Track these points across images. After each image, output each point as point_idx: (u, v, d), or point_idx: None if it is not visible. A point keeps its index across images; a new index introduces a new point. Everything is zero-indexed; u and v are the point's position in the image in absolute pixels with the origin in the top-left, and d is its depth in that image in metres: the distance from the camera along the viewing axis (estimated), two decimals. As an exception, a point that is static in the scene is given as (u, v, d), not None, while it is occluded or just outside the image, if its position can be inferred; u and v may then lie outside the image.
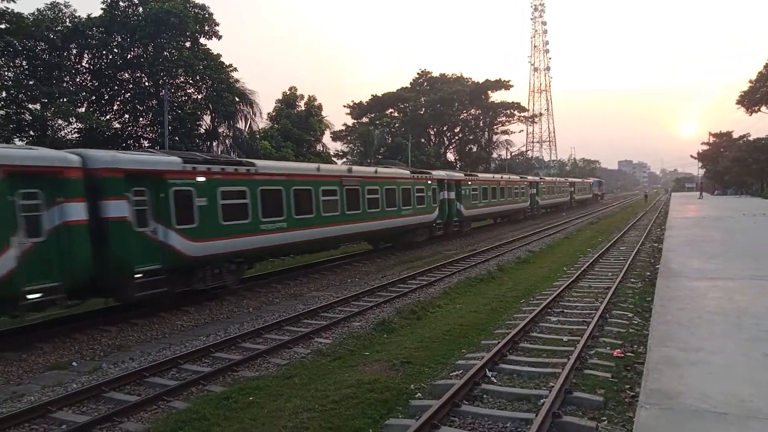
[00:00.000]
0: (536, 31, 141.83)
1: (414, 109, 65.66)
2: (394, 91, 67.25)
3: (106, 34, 31.37)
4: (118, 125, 33.47)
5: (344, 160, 57.85)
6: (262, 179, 16.51)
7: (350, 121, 66.04)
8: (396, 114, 67.28)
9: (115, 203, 12.21)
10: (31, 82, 28.50)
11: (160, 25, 31.12)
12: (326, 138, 49.04)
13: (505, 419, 6.80)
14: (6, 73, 28.54)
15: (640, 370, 7.63)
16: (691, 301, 9.35)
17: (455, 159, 69.27)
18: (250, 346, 10.75)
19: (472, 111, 68.99)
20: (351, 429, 6.77)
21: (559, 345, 9.72)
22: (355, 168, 23.21)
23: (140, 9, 32.30)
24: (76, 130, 31.02)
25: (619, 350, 9.20)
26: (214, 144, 36.95)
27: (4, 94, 27.73)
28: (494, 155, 74.63)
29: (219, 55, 35.48)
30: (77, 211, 11.44)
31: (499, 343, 9.56)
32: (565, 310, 12.43)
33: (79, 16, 31.26)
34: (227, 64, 36.15)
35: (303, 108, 44.14)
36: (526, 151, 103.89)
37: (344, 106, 68.01)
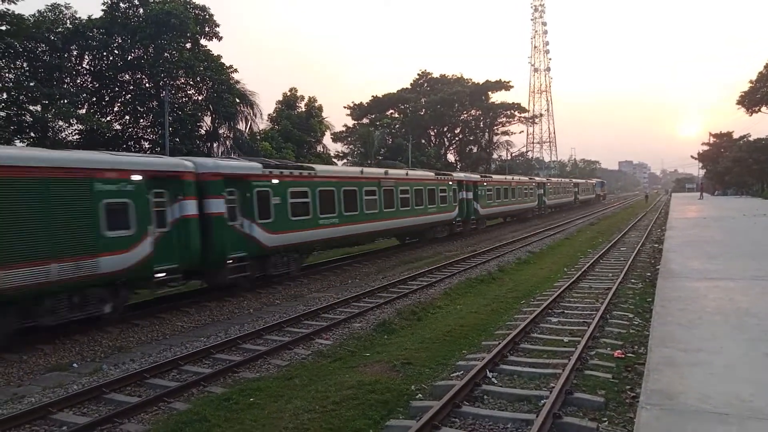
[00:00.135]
0: (536, 31, 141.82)
1: (414, 110, 65.67)
2: (395, 92, 67.31)
3: (106, 35, 31.42)
4: (118, 126, 33.52)
5: (344, 161, 57.87)
6: (319, 181, 19.12)
7: (350, 122, 66.11)
8: (396, 115, 67.30)
9: (215, 201, 14.82)
10: (31, 84, 28.55)
11: (161, 27, 31.15)
12: (327, 139, 49.16)
13: (505, 420, 6.79)
14: (7, 75, 28.59)
15: (640, 370, 7.63)
16: (691, 301, 9.34)
17: (455, 160, 69.28)
18: (251, 347, 10.75)
19: (473, 112, 68.99)
20: (351, 430, 6.77)
21: (560, 346, 9.71)
22: (390, 171, 25.51)
23: (141, 10, 32.35)
24: (76, 131, 31.09)
25: (619, 351, 9.20)
26: (215, 145, 36.97)
27: (4, 95, 27.78)
28: (494, 156, 74.67)
29: (219, 56, 35.54)
30: (191, 207, 14.10)
31: (499, 343, 9.56)
32: (566, 311, 12.42)
33: (80, 18, 31.36)
34: (228, 65, 36.22)
35: (303, 109, 44.17)
36: (527, 151, 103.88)
37: (344, 107, 68.08)
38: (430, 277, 17.87)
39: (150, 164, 13.61)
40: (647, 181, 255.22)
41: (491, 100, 69.18)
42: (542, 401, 7.09)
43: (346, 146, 63.55)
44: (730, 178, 70.58)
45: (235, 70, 37.15)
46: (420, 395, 7.85)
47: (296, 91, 44.60)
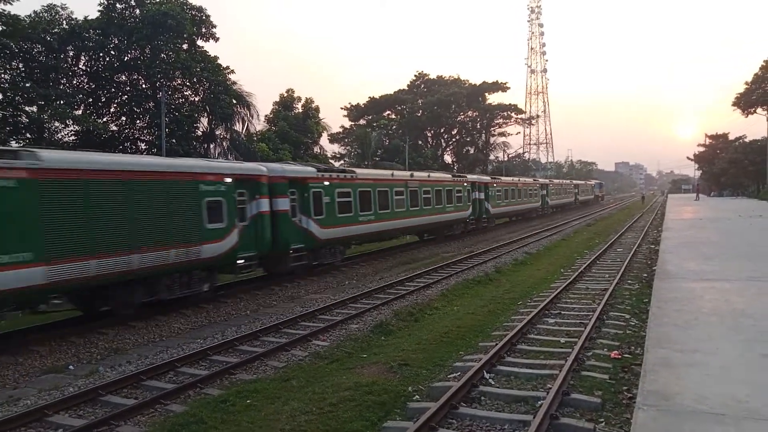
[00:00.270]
0: (533, 33, 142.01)
1: (411, 111, 65.72)
2: (391, 93, 67.41)
3: (103, 36, 31.36)
4: (114, 127, 33.46)
5: (341, 162, 57.86)
6: (359, 183, 21.75)
7: (347, 123, 66.11)
8: (393, 116, 67.34)
9: (282, 200, 17.36)
10: (27, 85, 28.46)
11: (157, 28, 31.11)
12: (323, 140, 49.15)
13: (502, 421, 6.80)
14: (2, 76, 28.49)
15: (637, 371, 7.64)
16: (687, 302, 9.36)
17: (452, 161, 69.34)
18: (248, 349, 10.73)
19: (470, 113, 69.10)
20: None
21: (557, 347, 9.73)
22: (415, 173, 28.22)
23: (137, 11, 32.31)
24: (72, 132, 31.00)
25: (616, 352, 9.21)
26: (212, 146, 36.93)
27: (0, 96, 27.66)
28: (491, 157, 74.77)
29: (216, 57, 35.52)
30: (265, 205, 16.50)
31: (496, 345, 9.57)
32: (563, 312, 12.44)
33: (76, 19, 31.29)
34: (224, 66, 36.19)
35: (300, 110, 44.15)
36: (523, 153, 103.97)
37: (341, 108, 68.13)
38: (427, 278, 17.87)
39: (236, 169, 16.08)
40: (643, 182, 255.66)
41: (488, 102, 69.32)
42: (539, 402, 7.09)
43: (343, 147, 63.60)
44: (726, 179, 70.76)
45: (232, 71, 37.17)
46: (417, 396, 7.84)
47: (293, 92, 44.64)
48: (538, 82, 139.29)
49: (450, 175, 32.03)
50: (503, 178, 43.74)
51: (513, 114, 71.87)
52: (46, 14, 30.15)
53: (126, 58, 32.47)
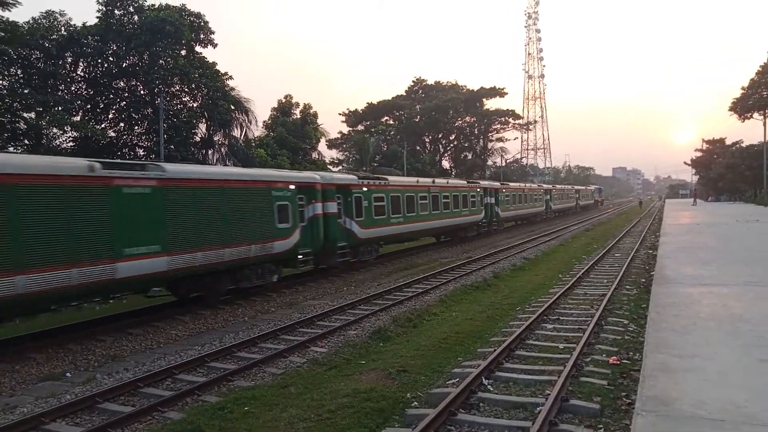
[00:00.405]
0: (530, 39, 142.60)
1: (409, 117, 65.83)
2: (389, 98, 67.53)
3: (101, 42, 31.38)
4: (113, 134, 33.45)
5: (340, 168, 57.88)
6: (391, 189, 24.27)
7: (345, 129, 66.20)
8: (391, 122, 67.48)
9: (331, 204, 19.90)
10: (25, 91, 28.47)
11: (156, 34, 31.16)
12: (321, 146, 49.23)
13: (501, 427, 6.78)
14: (1, 82, 28.49)
15: (636, 377, 7.64)
16: (686, 307, 9.37)
17: (450, 166, 69.44)
18: (246, 356, 10.70)
19: (467, 118, 69.23)
20: (347, 438, 6.74)
21: (555, 352, 9.72)
22: (436, 180, 30.79)
23: (136, 17, 32.36)
24: (71, 138, 30.97)
25: (614, 357, 9.21)
26: (210, 152, 36.94)
27: (-2, 102, 27.66)
28: (489, 162, 74.89)
29: (214, 63, 35.56)
30: (319, 208, 19.10)
31: (495, 350, 9.55)
32: (561, 318, 12.44)
33: (75, 25, 31.31)
34: (223, 72, 36.23)
35: (298, 116, 44.22)
36: (521, 158, 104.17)
37: (339, 114, 68.28)
38: (425, 284, 17.86)
39: (298, 177, 18.77)
40: (641, 187, 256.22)
41: (486, 107, 69.47)
42: (538, 408, 7.08)
43: (341, 153, 63.65)
44: (723, 184, 70.99)
45: (230, 77, 37.22)
46: (416, 403, 7.82)
47: (291, 98, 44.74)
48: (536, 88, 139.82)
49: (465, 182, 34.98)
50: (511, 184, 45.62)
51: (511, 119, 72.01)
52: (44, 21, 30.19)
53: (124, 64, 32.51)
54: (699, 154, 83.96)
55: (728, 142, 75.65)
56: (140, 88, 33.70)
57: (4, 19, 24.29)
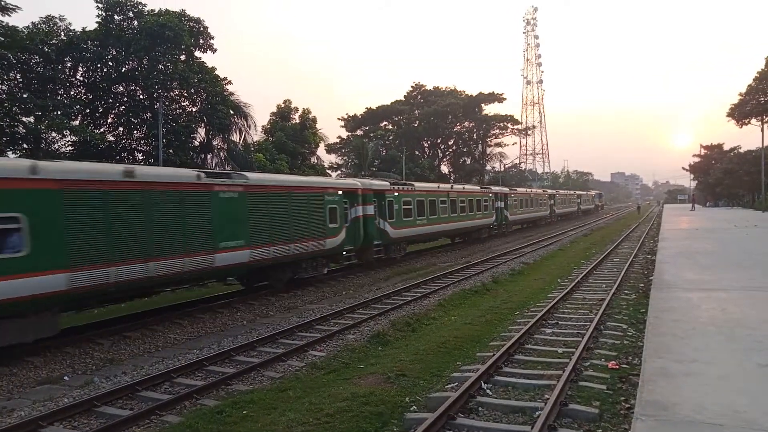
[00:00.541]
0: (528, 44, 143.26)
1: (408, 122, 65.97)
2: (388, 103, 67.73)
3: (100, 47, 31.44)
4: (112, 138, 33.43)
5: (339, 172, 57.93)
6: (417, 193, 26.88)
7: (344, 134, 66.31)
8: (390, 126, 67.59)
9: (369, 207, 22.59)
10: (25, 95, 28.47)
11: (155, 39, 31.23)
12: (321, 150, 49.27)
13: (500, 431, 6.77)
14: (0, 86, 28.49)
15: (635, 381, 7.63)
16: (685, 312, 9.37)
17: (449, 171, 69.52)
18: (244, 360, 10.67)
19: (466, 123, 69.40)
20: (346, 443, 6.72)
21: (554, 357, 9.71)
22: (454, 186, 33.62)
23: (135, 22, 32.43)
24: (70, 143, 30.96)
25: (614, 362, 9.20)
26: (209, 157, 36.95)
27: (-3, 106, 27.64)
28: (488, 167, 74.97)
29: (214, 68, 35.63)
30: (360, 210, 21.81)
31: (494, 355, 9.55)
32: (560, 322, 12.43)
33: (74, 30, 31.35)
34: (222, 77, 36.29)
35: (297, 121, 44.27)
36: (520, 163, 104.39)
37: (338, 119, 68.39)
38: (424, 288, 17.85)
39: (344, 184, 21.76)
40: (639, 192, 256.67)
41: (484, 112, 69.67)
42: (537, 413, 7.07)
43: (340, 158, 63.74)
44: (721, 189, 71.10)
45: (230, 82, 37.29)
46: (414, 407, 7.81)
47: (290, 102, 44.77)
48: (534, 93, 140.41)
49: (479, 187, 37.55)
50: (519, 189, 48.81)
51: (509, 125, 72.18)
52: (44, 25, 30.22)
53: (124, 69, 32.55)
54: (697, 159, 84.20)
55: (726, 147, 75.90)
56: (139, 93, 33.73)
57: (3, 23, 24.34)
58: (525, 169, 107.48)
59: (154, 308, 15.33)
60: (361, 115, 66.86)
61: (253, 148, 38.50)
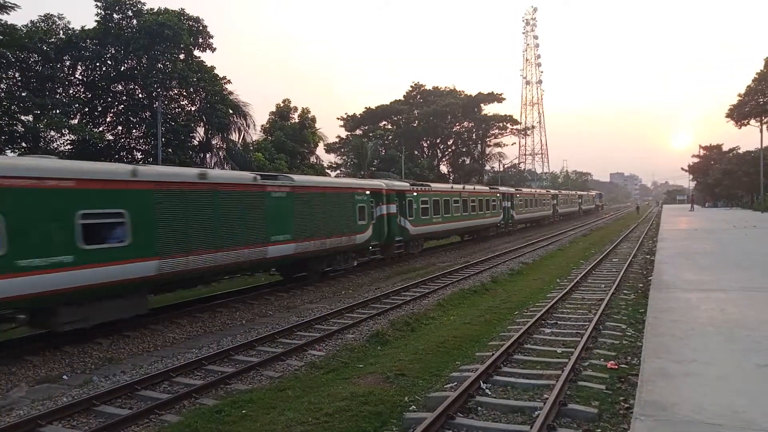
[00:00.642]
0: (528, 45, 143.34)
1: (407, 122, 65.98)
2: (388, 103, 67.70)
3: (99, 46, 31.41)
4: (111, 137, 33.42)
5: (338, 172, 57.91)
6: (433, 193, 28.60)
7: (344, 134, 66.28)
8: (389, 126, 67.59)
9: (392, 206, 24.34)
10: (23, 94, 28.44)
11: (154, 38, 31.21)
12: (320, 150, 49.26)
13: (499, 431, 6.76)
14: (-1, 85, 28.46)
15: (634, 381, 7.63)
16: (684, 312, 9.37)
17: (448, 171, 69.51)
18: (243, 359, 10.66)
19: (465, 123, 69.43)
20: (345, 442, 6.72)
21: (553, 357, 9.71)
22: (465, 186, 34.68)
23: (134, 21, 32.41)
24: (68, 141, 30.94)
25: (613, 362, 9.21)
26: (208, 156, 36.93)
27: (-4, 105, 27.62)
28: (487, 167, 75.00)
29: (213, 68, 35.62)
30: (384, 209, 23.54)
31: (493, 354, 9.55)
32: (559, 322, 12.44)
33: (73, 28, 31.34)
34: (221, 76, 36.27)
35: (297, 120, 44.25)
36: (519, 163, 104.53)
37: (338, 119, 68.36)
38: (423, 288, 17.85)
39: (370, 185, 23.44)
40: (638, 192, 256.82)
41: (484, 112, 69.71)
42: (536, 413, 7.07)
43: (340, 157, 63.72)
44: (720, 190, 71.18)
45: (229, 81, 37.27)
46: (414, 407, 7.81)
47: (289, 102, 44.77)
48: (533, 93, 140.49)
49: (488, 188, 39.61)
50: (524, 189, 50.96)
51: (508, 125, 72.24)
52: (43, 24, 30.20)
53: (123, 67, 32.53)
54: (696, 160, 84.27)
55: (725, 148, 75.96)
56: (138, 92, 33.72)
57: (2, 22, 24.31)
58: (524, 169, 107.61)
59: (153, 308, 15.30)
60: (360, 114, 66.87)
61: (252, 148, 38.48)
